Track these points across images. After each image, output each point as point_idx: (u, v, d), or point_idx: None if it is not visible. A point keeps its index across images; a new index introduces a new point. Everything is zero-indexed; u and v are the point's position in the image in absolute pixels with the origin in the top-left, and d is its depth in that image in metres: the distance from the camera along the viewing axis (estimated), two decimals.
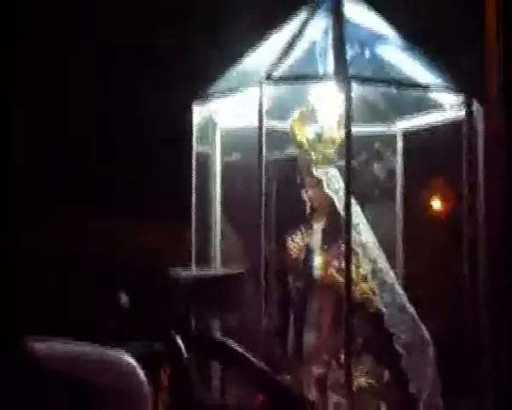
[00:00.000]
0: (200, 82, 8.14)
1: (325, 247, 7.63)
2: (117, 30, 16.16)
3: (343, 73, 7.31)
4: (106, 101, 16.11)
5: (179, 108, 8.21)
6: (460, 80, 7.85)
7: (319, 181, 7.62)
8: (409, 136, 8.20)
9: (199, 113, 7.97)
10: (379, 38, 7.71)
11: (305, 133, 7.66)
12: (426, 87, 7.65)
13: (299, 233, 7.74)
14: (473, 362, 7.39)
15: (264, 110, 7.28)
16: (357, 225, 7.46)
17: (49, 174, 17.71)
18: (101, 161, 16.87)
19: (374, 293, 7.42)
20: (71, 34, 16.40)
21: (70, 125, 16.66)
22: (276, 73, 7.36)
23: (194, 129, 7.98)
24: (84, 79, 16.23)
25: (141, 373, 4.61)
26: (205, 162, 8.03)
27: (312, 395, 7.23)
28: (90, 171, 16.76)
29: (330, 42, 7.50)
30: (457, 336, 7.50)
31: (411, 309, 7.38)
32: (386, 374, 7.40)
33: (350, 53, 7.44)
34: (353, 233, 7.31)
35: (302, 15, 7.74)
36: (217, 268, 7.75)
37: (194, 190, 7.91)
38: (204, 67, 8.71)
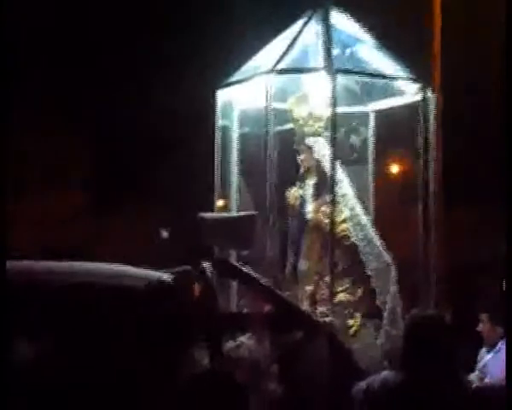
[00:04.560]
0: (222, 73, 8.13)
1: (315, 197, 7.59)
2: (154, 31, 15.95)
3: (329, 66, 7.29)
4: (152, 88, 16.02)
5: (207, 93, 8.19)
6: (417, 72, 7.83)
7: (311, 148, 7.58)
8: (378, 115, 8.10)
9: (221, 96, 7.92)
10: (356, 40, 7.66)
11: (301, 112, 7.61)
12: (392, 77, 7.63)
13: (296, 187, 7.71)
14: (422, 281, 7.42)
15: (269, 94, 7.29)
16: (340, 181, 7.39)
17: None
18: (146, 132, 16.85)
19: (351, 231, 7.38)
20: (104, 28, 15.97)
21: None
22: (279, 66, 7.36)
23: (218, 108, 7.93)
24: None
25: (177, 287, 4.62)
26: (225, 133, 7.99)
27: (304, 306, 7.23)
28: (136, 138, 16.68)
29: (320, 43, 7.47)
30: (414, 261, 7.51)
31: (379, 243, 7.35)
32: (360, 291, 7.39)
33: (335, 51, 7.42)
34: (336, 187, 7.29)
35: (299, 23, 7.70)
36: (234, 212, 7.74)
37: (217, 154, 7.92)
38: (225, 63, 8.68)
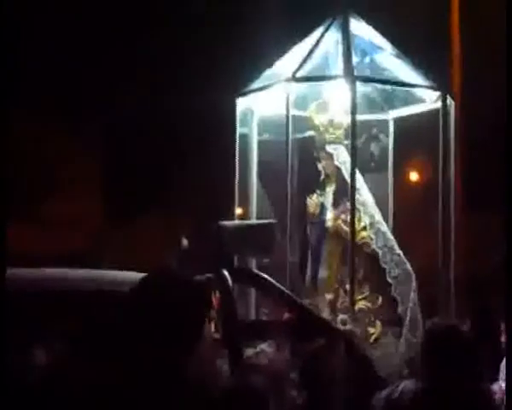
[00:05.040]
0: (242, 81, 8.13)
1: (335, 204, 7.59)
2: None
3: (349, 74, 7.30)
4: (175, 96, 16.03)
5: (227, 100, 8.19)
6: (437, 80, 7.82)
7: (331, 155, 7.57)
8: (398, 122, 8.09)
9: (241, 104, 7.92)
10: (376, 47, 7.66)
11: (321, 119, 7.60)
12: (412, 85, 7.62)
13: (316, 194, 7.70)
14: (442, 289, 7.38)
15: (289, 102, 7.30)
16: (359, 188, 7.39)
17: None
18: (165, 139, 16.86)
19: (371, 239, 7.38)
20: (117, 32, 15.98)
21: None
22: (299, 74, 7.36)
23: (237, 116, 7.93)
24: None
25: (197, 296, 4.61)
26: (245, 141, 8.00)
27: (324, 314, 7.22)
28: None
29: (340, 50, 7.48)
30: (433, 269, 7.47)
31: (399, 250, 7.34)
32: (380, 299, 7.37)
33: (354, 59, 7.42)
34: (356, 195, 7.28)
35: (319, 30, 7.70)
36: (254, 219, 7.73)
37: (237, 161, 7.91)
38: (245, 70, 8.69)
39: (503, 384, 7.14)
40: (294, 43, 7.81)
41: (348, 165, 7.32)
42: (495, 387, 7.04)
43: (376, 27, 7.84)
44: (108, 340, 3.00)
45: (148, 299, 2.75)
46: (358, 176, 7.37)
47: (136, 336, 2.74)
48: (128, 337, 2.75)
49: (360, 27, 7.72)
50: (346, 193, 7.36)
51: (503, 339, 7.40)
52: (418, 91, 7.70)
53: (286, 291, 6.13)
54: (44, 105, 16.52)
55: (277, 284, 5.98)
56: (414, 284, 7.23)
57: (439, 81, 7.91)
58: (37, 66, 15.28)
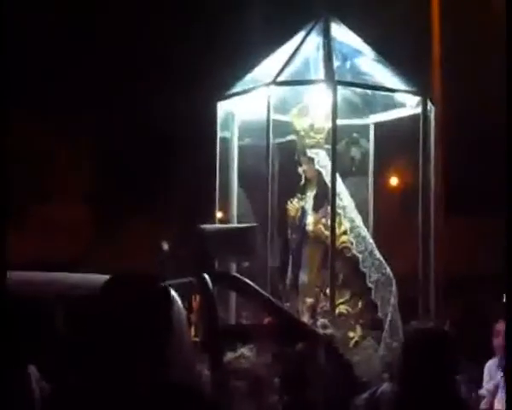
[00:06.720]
0: (223, 85, 8.15)
1: (315, 209, 7.60)
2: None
3: (330, 78, 7.32)
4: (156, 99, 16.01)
5: (207, 104, 8.21)
6: (418, 86, 7.86)
7: (312, 159, 7.58)
8: (379, 127, 8.12)
9: (222, 108, 7.93)
10: (357, 52, 7.70)
11: (302, 124, 7.61)
12: (392, 90, 7.66)
13: (296, 198, 7.71)
14: (422, 293, 7.42)
15: (270, 106, 7.31)
16: (340, 193, 7.41)
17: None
18: (146, 143, 16.84)
19: (351, 243, 7.39)
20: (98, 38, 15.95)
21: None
22: (280, 78, 7.38)
23: (218, 120, 7.93)
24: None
25: (178, 299, 4.62)
26: (226, 145, 8.00)
27: (305, 318, 7.23)
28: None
29: (321, 55, 7.50)
30: (414, 273, 7.51)
31: (379, 255, 7.35)
32: (360, 303, 7.40)
33: (335, 63, 7.45)
34: (337, 199, 7.30)
35: (301, 35, 7.72)
36: (234, 223, 7.73)
37: (217, 165, 7.92)
38: (225, 75, 8.71)
39: (489, 387, 7.19)
40: (276, 48, 7.83)
41: (329, 169, 7.34)
42: (483, 391, 7.07)
43: (357, 32, 7.88)
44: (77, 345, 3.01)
45: (105, 304, 2.73)
46: (339, 180, 7.39)
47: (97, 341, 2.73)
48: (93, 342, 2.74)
49: (341, 32, 7.75)
50: (326, 197, 7.39)
51: (495, 340, 7.36)
52: (399, 96, 7.72)
53: (266, 295, 6.15)
54: (31, 108, 16.49)
55: (258, 288, 5.99)
56: (394, 288, 7.25)
57: (420, 86, 7.96)
58: (23, 67, 15.22)
